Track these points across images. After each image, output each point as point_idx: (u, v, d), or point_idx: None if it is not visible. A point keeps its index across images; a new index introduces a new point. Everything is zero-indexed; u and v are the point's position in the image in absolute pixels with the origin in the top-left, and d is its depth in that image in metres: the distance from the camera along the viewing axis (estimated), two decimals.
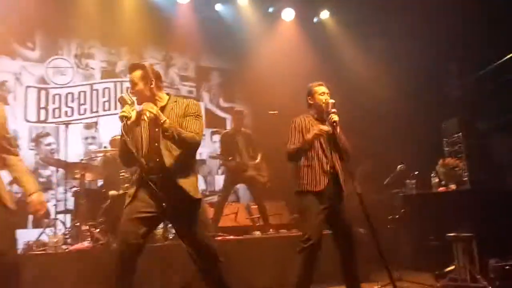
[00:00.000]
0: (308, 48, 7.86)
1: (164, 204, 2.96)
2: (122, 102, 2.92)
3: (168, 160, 2.98)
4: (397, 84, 7.16)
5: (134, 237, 2.91)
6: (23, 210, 6.26)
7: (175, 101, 3.14)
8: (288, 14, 8.04)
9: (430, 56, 6.75)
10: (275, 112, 6.15)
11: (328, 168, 3.69)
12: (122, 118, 2.83)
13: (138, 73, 3.05)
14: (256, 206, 6.30)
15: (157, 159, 2.98)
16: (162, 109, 3.05)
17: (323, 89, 3.85)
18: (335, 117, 3.60)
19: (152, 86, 3.06)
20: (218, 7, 7.95)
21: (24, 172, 3.08)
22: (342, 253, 3.72)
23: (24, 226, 6.34)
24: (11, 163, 3.02)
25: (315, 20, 8.40)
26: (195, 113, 3.08)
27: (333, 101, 3.70)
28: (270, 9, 8.14)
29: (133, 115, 2.88)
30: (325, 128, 3.58)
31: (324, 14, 8.20)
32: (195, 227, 3.01)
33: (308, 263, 3.57)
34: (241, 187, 7.44)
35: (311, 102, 3.88)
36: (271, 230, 6.07)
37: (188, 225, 3.02)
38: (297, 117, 3.88)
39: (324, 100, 3.75)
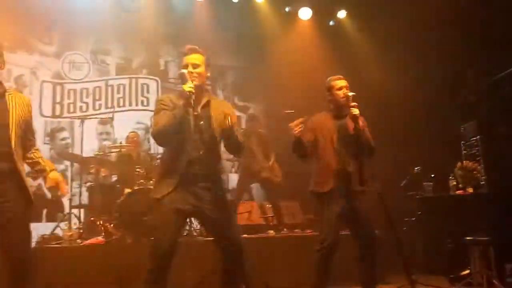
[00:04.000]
0: (325, 48, 7.82)
1: (205, 199, 2.88)
2: (183, 78, 2.85)
3: (214, 155, 2.95)
4: (415, 86, 7.09)
5: (173, 231, 2.84)
6: (37, 203, 6.46)
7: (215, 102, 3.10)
8: (305, 13, 8.00)
9: (448, 58, 6.69)
10: (291, 111, 6.09)
11: (339, 168, 3.58)
12: (189, 92, 2.76)
13: (200, 57, 2.98)
14: (270, 205, 6.27)
15: (201, 151, 2.89)
16: (208, 102, 3.01)
17: (341, 83, 3.69)
18: (356, 111, 3.50)
19: (208, 74, 3.02)
20: (236, 4, 7.93)
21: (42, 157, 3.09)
22: (361, 254, 3.62)
23: (38, 219, 6.39)
24: (39, 156, 3.05)
25: (332, 20, 8.35)
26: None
27: (353, 93, 3.58)
28: (287, 9, 8.10)
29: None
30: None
31: (342, 14, 8.15)
32: (232, 226, 2.97)
33: (324, 264, 3.52)
34: (254, 186, 7.42)
35: (330, 98, 3.74)
36: (285, 229, 6.04)
37: (225, 224, 2.92)
38: (314, 114, 3.79)
39: (342, 95, 3.63)
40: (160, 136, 2.88)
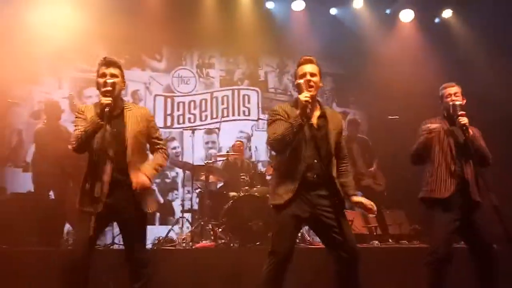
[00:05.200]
0: (429, 50, 7.50)
1: (322, 206, 2.92)
2: (300, 88, 2.91)
3: (329, 162, 2.98)
4: None
5: (290, 237, 2.93)
6: None
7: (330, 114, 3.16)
8: (407, 15, 7.77)
9: None
10: (395, 117, 5.95)
11: (457, 175, 3.43)
12: (306, 101, 2.84)
13: (316, 67, 3.04)
14: (374, 215, 6.12)
15: (316, 160, 2.94)
16: (324, 113, 3.07)
17: (451, 90, 3.59)
18: (464, 120, 3.35)
19: (321, 85, 3.09)
20: (333, 11, 7.96)
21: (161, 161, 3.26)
22: (479, 270, 3.42)
23: (152, 223, 6.85)
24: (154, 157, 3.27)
25: (436, 20, 8.01)
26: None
27: (459, 102, 3.46)
28: (387, 11, 7.95)
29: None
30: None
31: (447, 13, 7.80)
32: (348, 234, 2.92)
33: (434, 278, 3.34)
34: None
35: (441, 105, 3.65)
36: (390, 240, 5.87)
37: (341, 231, 2.90)
38: (430, 119, 3.69)
39: (450, 103, 3.51)
40: (278, 145, 2.94)
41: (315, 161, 2.92)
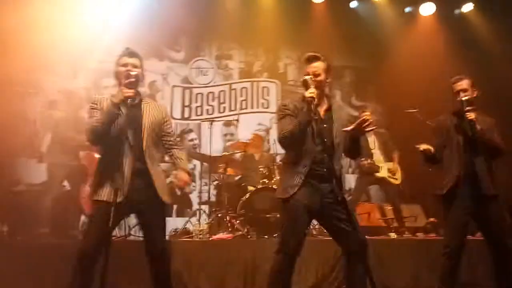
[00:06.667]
0: (448, 45, 7.40)
1: (328, 199, 2.97)
2: (306, 84, 2.97)
3: (336, 157, 3.02)
4: None
5: (300, 227, 2.96)
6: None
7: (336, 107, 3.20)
8: (428, 9, 7.67)
9: None
10: (415, 110, 5.89)
11: (464, 169, 3.51)
12: (310, 98, 2.89)
13: (322, 64, 3.07)
14: (390, 208, 6.15)
15: (323, 154, 2.96)
16: (330, 107, 3.11)
17: (457, 86, 3.63)
18: (471, 115, 3.45)
19: (328, 81, 3.11)
20: (353, 4, 7.89)
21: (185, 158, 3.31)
22: (494, 261, 3.52)
23: (169, 214, 6.90)
24: (177, 155, 3.26)
25: (456, 12, 7.89)
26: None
27: (465, 98, 3.52)
28: (407, 9, 7.89)
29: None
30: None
31: (468, 7, 7.68)
32: (354, 226, 2.95)
33: (448, 268, 3.48)
34: (373, 187, 7.30)
35: (452, 99, 3.69)
36: (406, 232, 5.90)
37: (353, 221, 2.96)
38: (441, 115, 3.75)
39: (458, 98, 3.58)
40: (287, 142, 3.00)
41: (322, 154, 2.95)
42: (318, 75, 3.02)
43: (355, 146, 3.04)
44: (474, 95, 3.59)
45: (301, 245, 2.94)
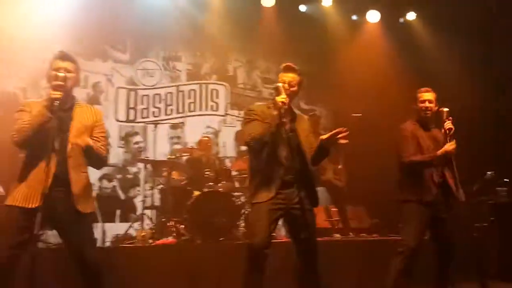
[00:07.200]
0: (393, 51, 7.65)
1: (293, 202, 3.07)
2: (278, 91, 3.04)
3: (303, 162, 3.12)
4: (487, 87, 6.76)
5: (267, 226, 3.01)
6: (110, 204, 6.74)
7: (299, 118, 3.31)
8: (373, 16, 7.89)
9: None
10: (358, 114, 6.05)
11: (438, 178, 3.65)
12: (282, 103, 2.95)
13: (297, 78, 3.19)
14: (336, 209, 6.23)
15: (291, 161, 3.08)
16: (295, 117, 3.22)
17: (425, 96, 3.77)
18: (449, 125, 3.60)
19: (297, 94, 3.23)
20: (303, 8, 7.97)
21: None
22: (439, 260, 3.70)
23: (112, 220, 6.72)
24: None
25: (401, 20, 8.17)
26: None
27: (447, 109, 3.68)
28: (354, 17, 8.10)
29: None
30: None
31: (411, 15, 7.97)
32: (314, 231, 3.15)
33: (402, 268, 3.55)
34: (318, 189, 7.35)
35: (415, 108, 3.82)
36: (351, 233, 5.99)
37: (310, 229, 3.12)
38: (404, 124, 3.85)
39: (423, 108, 3.73)
40: (256, 144, 3.07)
41: (291, 162, 3.07)
42: (293, 86, 3.15)
43: (321, 154, 3.17)
44: (437, 108, 3.74)
45: (268, 241, 3.00)
